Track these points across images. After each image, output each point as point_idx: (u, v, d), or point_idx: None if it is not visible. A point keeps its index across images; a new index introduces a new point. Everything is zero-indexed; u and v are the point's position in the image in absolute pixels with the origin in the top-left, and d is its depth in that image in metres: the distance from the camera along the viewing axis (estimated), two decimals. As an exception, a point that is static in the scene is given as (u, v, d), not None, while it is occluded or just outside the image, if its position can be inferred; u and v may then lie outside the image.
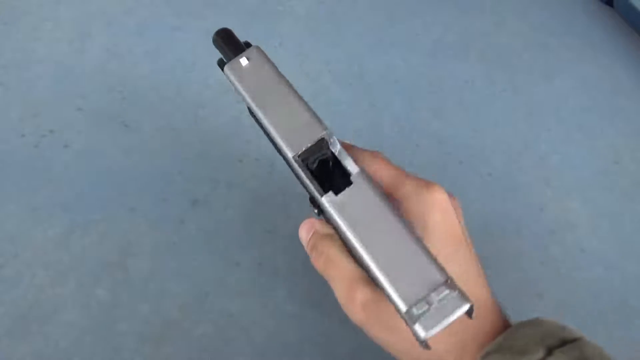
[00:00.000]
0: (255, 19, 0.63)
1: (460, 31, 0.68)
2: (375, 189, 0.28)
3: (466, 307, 0.24)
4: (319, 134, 0.29)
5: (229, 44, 0.33)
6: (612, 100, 0.64)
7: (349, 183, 0.28)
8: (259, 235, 0.48)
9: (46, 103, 0.53)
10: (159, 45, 0.59)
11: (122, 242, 0.46)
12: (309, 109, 0.30)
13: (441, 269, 0.25)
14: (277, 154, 0.32)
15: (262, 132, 0.32)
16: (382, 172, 0.31)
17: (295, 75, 0.59)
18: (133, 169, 0.50)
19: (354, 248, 0.27)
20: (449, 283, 0.24)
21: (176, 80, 0.57)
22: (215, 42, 0.34)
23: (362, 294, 0.29)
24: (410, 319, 0.24)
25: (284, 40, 0.62)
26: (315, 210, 0.31)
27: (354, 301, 0.29)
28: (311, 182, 0.29)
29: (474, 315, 0.24)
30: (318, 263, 0.32)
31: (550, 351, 0.27)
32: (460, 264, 0.29)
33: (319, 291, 0.46)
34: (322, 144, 0.29)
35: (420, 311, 0.24)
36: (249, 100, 0.31)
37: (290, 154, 0.29)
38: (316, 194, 0.28)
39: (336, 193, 0.28)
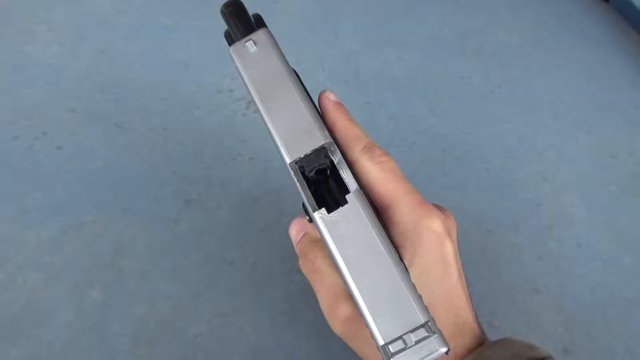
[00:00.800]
0: (248, 18, 0.63)
1: (456, 28, 0.68)
2: (370, 212, 0.27)
3: (443, 350, 0.24)
4: (320, 142, 0.28)
5: (239, 20, 0.31)
6: (608, 94, 0.64)
7: (344, 200, 0.27)
8: (253, 235, 0.48)
9: (39, 105, 0.53)
10: (152, 46, 0.59)
11: (116, 243, 0.46)
12: (313, 112, 0.29)
13: (424, 310, 0.25)
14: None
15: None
16: (382, 187, 0.29)
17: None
18: (126, 170, 0.50)
19: (339, 269, 0.26)
20: (429, 325, 0.24)
21: (169, 81, 0.57)
22: (223, 14, 0.32)
23: (343, 310, 0.29)
24: (385, 354, 0.24)
25: (279, 38, 0.62)
26: (307, 218, 0.30)
27: (335, 316, 0.29)
28: (305, 193, 0.27)
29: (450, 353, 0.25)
30: (305, 269, 0.32)
31: None
32: (447, 288, 0.29)
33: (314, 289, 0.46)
34: (321, 153, 0.28)
35: (396, 349, 0.24)
36: (252, 91, 0.29)
37: (287, 160, 0.28)
38: (309, 206, 0.27)
39: (329, 211, 0.27)
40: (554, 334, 0.44)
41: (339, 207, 0.27)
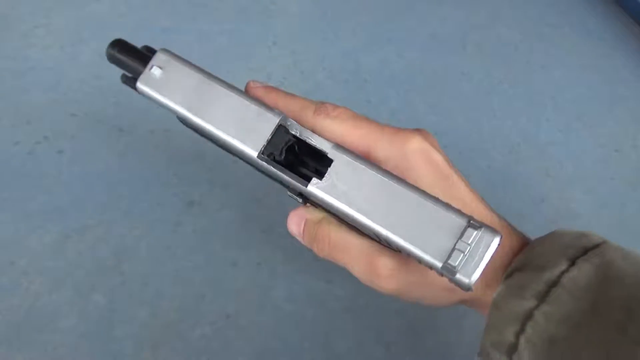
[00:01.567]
0: (247, 18, 0.63)
1: (456, 24, 0.67)
2: (357, 156, 0.26)
3: (497, 239, 0.23)
4: (274, 121, 0.27)
5: (130, 56, 0.30)
6: (610, 88, 0.63)
7: (328, 161, 0.26)
8: (256, 235, 0.47)
9: (39, 109, 0.53)
10: (151, 48, 0.59)
11: (118, 246, 0.46)
12: (252, 99, 0.27)
13: (458, 212, 0.24)
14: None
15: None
16: (351, 136, 0.29)
17: (289, 73, 0.59)
18: (128, 173, 0.50)
19: (364, 225, 0.25)
20: (472, 223, 0.24)
21: (169, 83, 0.56)
22: (111, 58, 0.30)
23: (385, 265, 0.28)
24: (449, 272, 0.23)
25: (278, 38, 0.62)
26: (300, 200, 0.29)
27: (379, 275, 0.28)
28: (289, 176, 0.27)
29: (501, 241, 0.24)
30: (323, 252, 0.31)
31: (572, 262, 0.26)
32: (461, 198, 0.29)
33: (319, 290, 0.45)
34: (281, 131, 0.27)
35: (456, 262, 0.23)
36: (182, 111, 0.28)
37: (253, 154, 0.27)
38: (299, 186, 0.27)
39: (320, 178, 0.26)
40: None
41: (327, 170, 0.26)
